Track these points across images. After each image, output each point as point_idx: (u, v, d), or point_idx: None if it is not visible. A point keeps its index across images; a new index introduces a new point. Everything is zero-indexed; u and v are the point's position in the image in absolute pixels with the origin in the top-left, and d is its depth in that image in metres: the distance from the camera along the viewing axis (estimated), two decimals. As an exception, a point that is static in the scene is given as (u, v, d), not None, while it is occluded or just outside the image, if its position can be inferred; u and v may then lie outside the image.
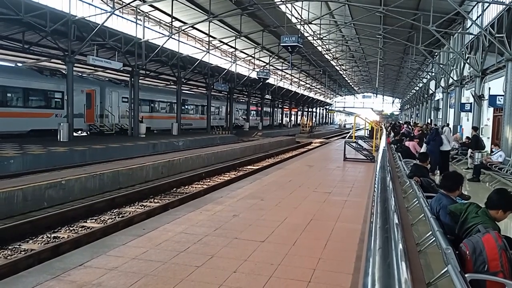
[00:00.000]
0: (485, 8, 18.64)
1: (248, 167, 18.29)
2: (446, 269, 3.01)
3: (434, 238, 4.05)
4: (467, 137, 17.27)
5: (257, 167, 17.58)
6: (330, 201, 7.75)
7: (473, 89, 19.37)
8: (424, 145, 13.14)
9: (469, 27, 21.63)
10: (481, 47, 18.36)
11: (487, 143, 17.10)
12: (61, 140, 19.10)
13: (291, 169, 12.55)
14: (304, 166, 13.45)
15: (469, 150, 15.05)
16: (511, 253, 3.15)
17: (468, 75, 22.07)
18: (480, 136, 17.67)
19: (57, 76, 23.16)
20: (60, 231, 8.02)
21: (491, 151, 14.34)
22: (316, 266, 4.31)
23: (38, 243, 7.31)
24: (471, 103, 20.29)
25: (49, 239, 7.51)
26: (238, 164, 18.39)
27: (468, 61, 20.92)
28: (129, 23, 25.88)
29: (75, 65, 21.03)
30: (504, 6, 15.00)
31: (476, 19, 19.33)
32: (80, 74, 26.85)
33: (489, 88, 17.86)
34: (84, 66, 23.09)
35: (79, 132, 25.13)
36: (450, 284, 2.78)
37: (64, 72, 22.24)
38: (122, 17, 25.84)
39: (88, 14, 20.38)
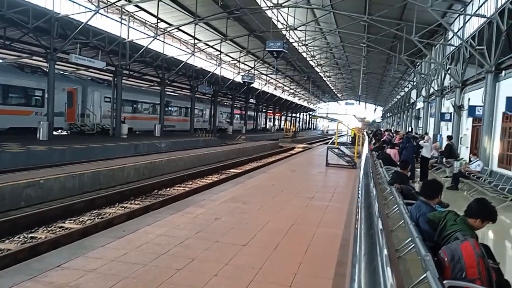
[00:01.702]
0: (466, 20, 19.08)
1: (231, 170, 18.24)
2: (424, 275, 3.07)
3: (413, 245, 4.12)
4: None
5: (240, 171, 17.55)
6: (312, 206, 7.79)
7: (453, 99, 19.78)
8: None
9: (451, 38, 22.10)
10: (461, 59, 18.76)
11: (466, 152, 17.44)
12: (41, 138, 18.74)
13: (274, 173, 12.58)
14: (287, 170, 13.50)
15: (444, 159, 15.41)
16: (488, 261, 3.22)
17: (448, 86, 22.52)
18: (459, 145, 18.03)
19: (38, 73, 22.71)
20: (38, 231, 7.86)
21: (470, 161, 14.65)
22: (297, 270, 4.32)
23: (15, 243, 7.15)
24: (451, 113, 20.70)
25: (26, 239, 7.36)
26: (221, 167, 18.32)
27: (449, 71, 21.36)
28: (114, 23, 25.65)
29: (57, 63, 20.70)
30: (485, 19, 15.36)
31: (458, 31, 19.77)
32: (62, 72, 26.40)
33: (469, 98, 18.24)
34: (66, 64, 22.72)
35: (59, 131, 24.68)
36: (428, 290, 2.82)
37: (45, 69, 21.86)
38: (107, 16, 25.59)
39: (72, 12, 20.09)
